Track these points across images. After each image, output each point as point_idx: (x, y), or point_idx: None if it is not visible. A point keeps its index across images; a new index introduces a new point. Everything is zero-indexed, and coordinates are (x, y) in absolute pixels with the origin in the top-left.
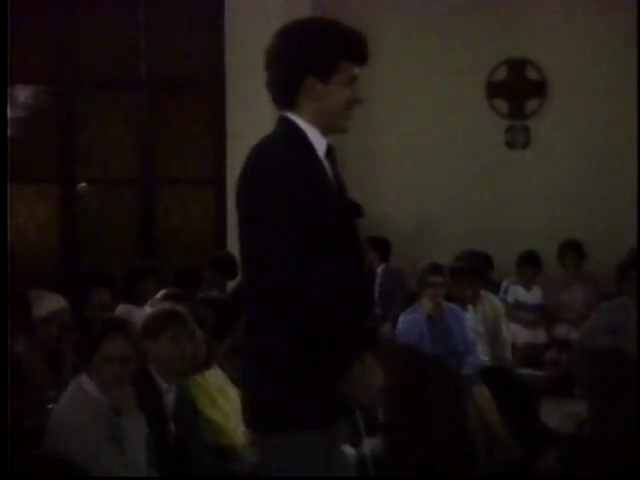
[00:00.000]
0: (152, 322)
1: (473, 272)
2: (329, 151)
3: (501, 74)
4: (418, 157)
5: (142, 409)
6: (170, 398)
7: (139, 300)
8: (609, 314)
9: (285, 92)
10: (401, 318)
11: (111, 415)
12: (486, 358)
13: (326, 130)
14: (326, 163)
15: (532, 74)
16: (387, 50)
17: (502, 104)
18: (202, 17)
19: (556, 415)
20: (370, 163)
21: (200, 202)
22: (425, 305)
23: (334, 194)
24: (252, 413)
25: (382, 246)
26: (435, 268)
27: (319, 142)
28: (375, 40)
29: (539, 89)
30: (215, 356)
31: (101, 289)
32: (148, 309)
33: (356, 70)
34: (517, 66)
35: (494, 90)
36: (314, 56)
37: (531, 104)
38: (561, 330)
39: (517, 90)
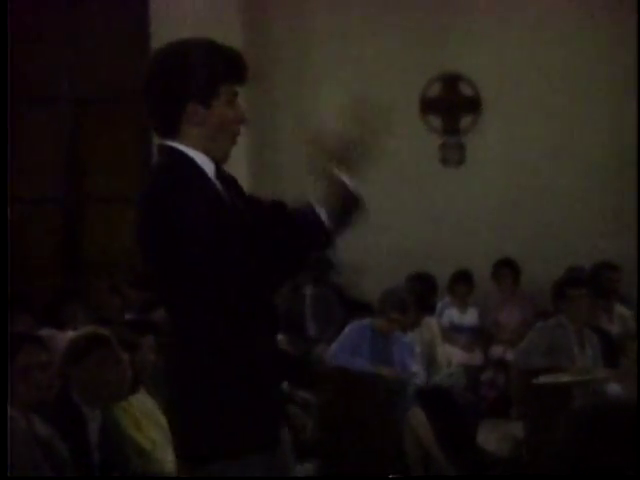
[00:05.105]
0: (75, 346)
1: (418, 299)
2: (220, 172)
3: (435, 90)
4: None
5: (65, 437)
6: (95, 425)
7: (62, 325)
8: (545, 334)
9: (167, 121)
10: (349, 326)
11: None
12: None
13: (210, 154)
14: (218, 184)
15: (465, 90)
16: (319, 65)
17: (436, 120)
18: (126, 30)
19: (493, 436)
20: (299, 180)
21: (127, 221)
22: (377, 325)
23: (231, 214)
24: (183, 442)
25: (311, 267)
26: (402, 306)
27: (206, 164)
28: (307, 54)
29: (473, 105)
30: (143, 381)
31: (22, 314)
32: (71, 334)
33: (236, 89)
34: (450, 82)
35: (428, 106)
36: (193, 82)
37: (465, 120)
38: (497, 351)
39: (451, 106)
